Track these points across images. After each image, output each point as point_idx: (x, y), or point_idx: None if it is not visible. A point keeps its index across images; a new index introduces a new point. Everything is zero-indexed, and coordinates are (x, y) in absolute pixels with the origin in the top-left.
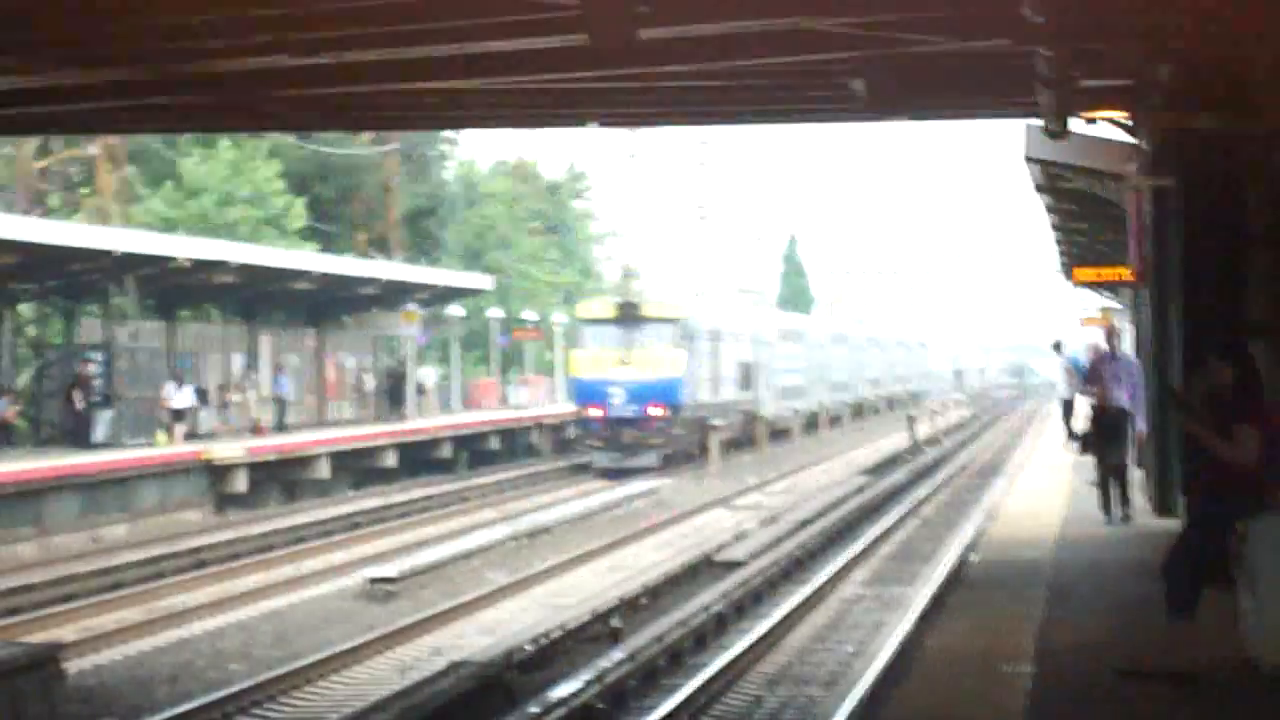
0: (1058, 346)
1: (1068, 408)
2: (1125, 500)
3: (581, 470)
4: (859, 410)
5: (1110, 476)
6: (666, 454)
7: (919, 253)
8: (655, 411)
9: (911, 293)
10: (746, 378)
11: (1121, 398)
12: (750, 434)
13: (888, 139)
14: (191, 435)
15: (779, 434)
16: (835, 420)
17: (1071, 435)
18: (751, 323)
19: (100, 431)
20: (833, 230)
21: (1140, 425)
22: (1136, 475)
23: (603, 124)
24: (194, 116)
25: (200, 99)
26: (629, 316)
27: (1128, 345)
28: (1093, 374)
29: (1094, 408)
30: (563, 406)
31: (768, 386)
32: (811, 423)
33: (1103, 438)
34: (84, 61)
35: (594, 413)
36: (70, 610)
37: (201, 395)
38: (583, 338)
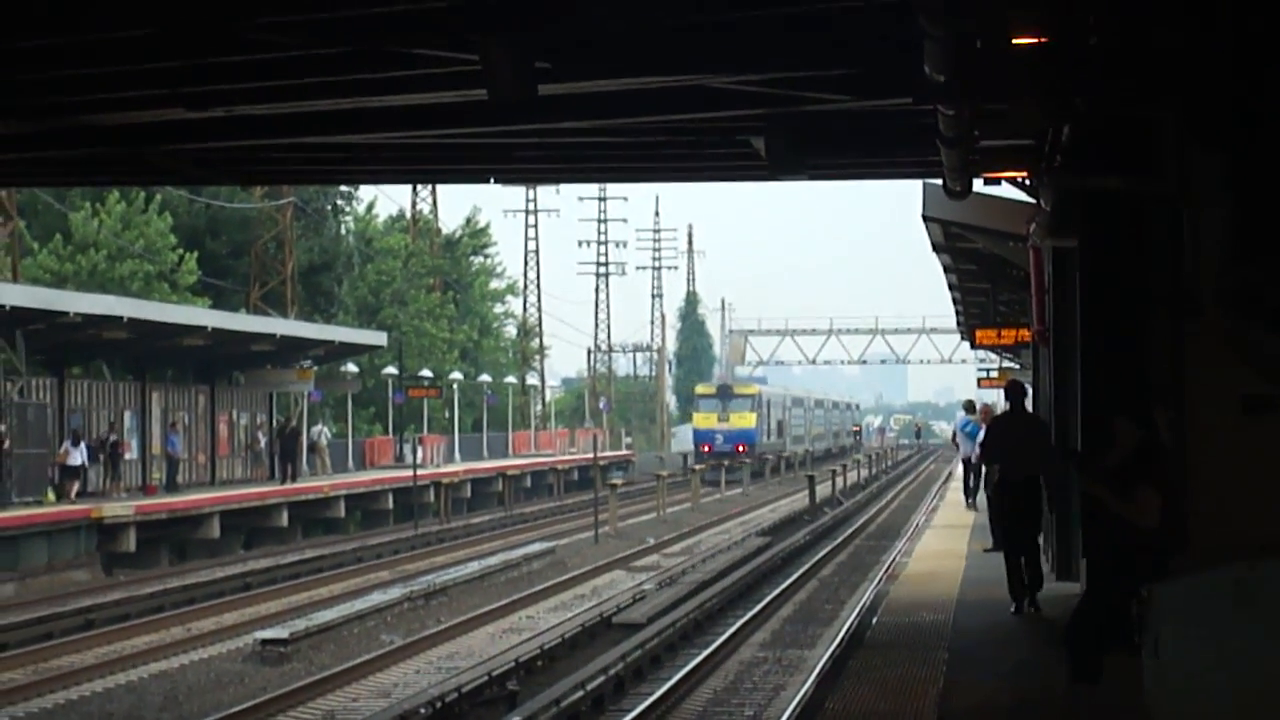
0: (970, 406)
1: (968, 467)
2: (1036, 587)
3: (476, 530)
4: (829, 453)
5: (1018, 562)
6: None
7: (824, 309)
8: (741, 449)
9: (816, 351)
10: (780, 430)
11: (1032, 467)
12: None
13: (795, 194)
14: (80, 493)
15: (791, 465)
16: (822, 459)
17: (970, 498)
18: (781, 395)
19: None
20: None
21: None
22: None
23: (501, 180)
24: (85, 170)
25: (92, 152)
26: (726, 393)
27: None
28: (986, 442)
29: (998, 478)
30: (461, 465)
31: (789, 435)
32: (809, 460)
33: (1009, 515)
34: None
35: (705, 449)
36: None
37: (91, 453)
38: (698, 405)
